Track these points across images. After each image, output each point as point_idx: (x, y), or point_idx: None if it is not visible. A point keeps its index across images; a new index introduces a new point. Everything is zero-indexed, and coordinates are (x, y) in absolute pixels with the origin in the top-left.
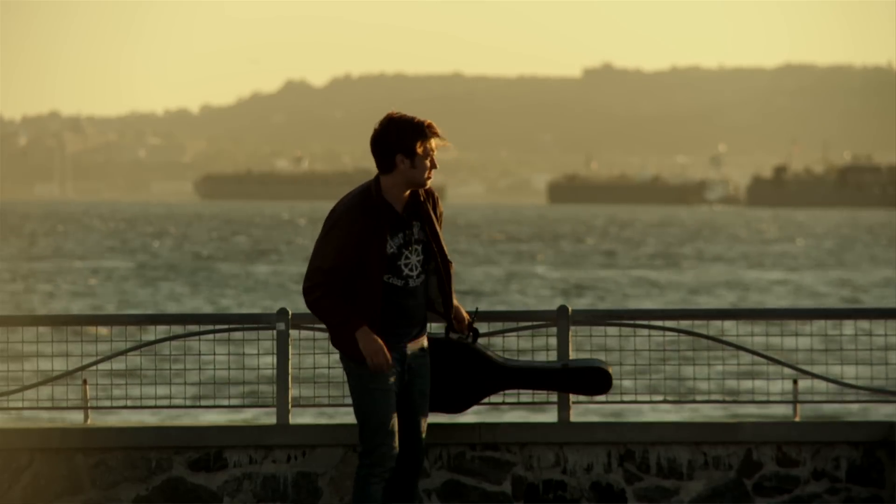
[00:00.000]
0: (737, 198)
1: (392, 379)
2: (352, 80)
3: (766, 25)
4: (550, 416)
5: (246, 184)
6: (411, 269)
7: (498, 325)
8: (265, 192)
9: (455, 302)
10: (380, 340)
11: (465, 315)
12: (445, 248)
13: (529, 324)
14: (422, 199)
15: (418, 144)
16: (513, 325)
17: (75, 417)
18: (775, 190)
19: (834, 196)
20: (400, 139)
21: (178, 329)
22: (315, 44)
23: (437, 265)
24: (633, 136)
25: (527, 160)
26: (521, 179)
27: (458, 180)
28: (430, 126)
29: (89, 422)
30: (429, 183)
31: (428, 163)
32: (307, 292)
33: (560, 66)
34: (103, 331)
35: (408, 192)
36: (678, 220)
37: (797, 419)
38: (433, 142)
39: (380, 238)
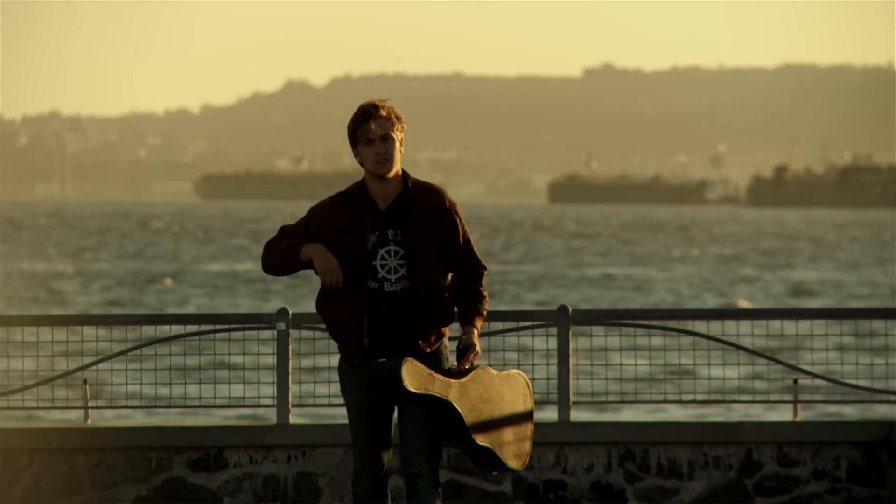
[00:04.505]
0: (737, 198)
1: (365, 397)
2: (352, 80)
3: (765, 25)
4: (550, 415)
5: (246, 184)
6: (388, 272)
7: (498, 325)
8: (265, 192)
9: (472, 330)
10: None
11: (468, 340)
12: (433, 260)
13: (530, 324)
14: (408, 199)
15: (358, 132)
16: (513, 324)
17: (75, 417)
18: (775, 190)
19: (834, 196)
20: (348, 131)
21: (178, 329)
22: (315, 42)
23: (415, 274)
24: (633, 136)
25: (527, 160)
26: (521, 179)
27: (459, 180)
28: (363, 109)
29: (89, 422)
30: (390, 171)
31: (371, 150)
32: (264, 248)
33: (560, 66)
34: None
35: (395, 190)
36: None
37: (797, 419)
38: (373, 124)
39: (359, 229)
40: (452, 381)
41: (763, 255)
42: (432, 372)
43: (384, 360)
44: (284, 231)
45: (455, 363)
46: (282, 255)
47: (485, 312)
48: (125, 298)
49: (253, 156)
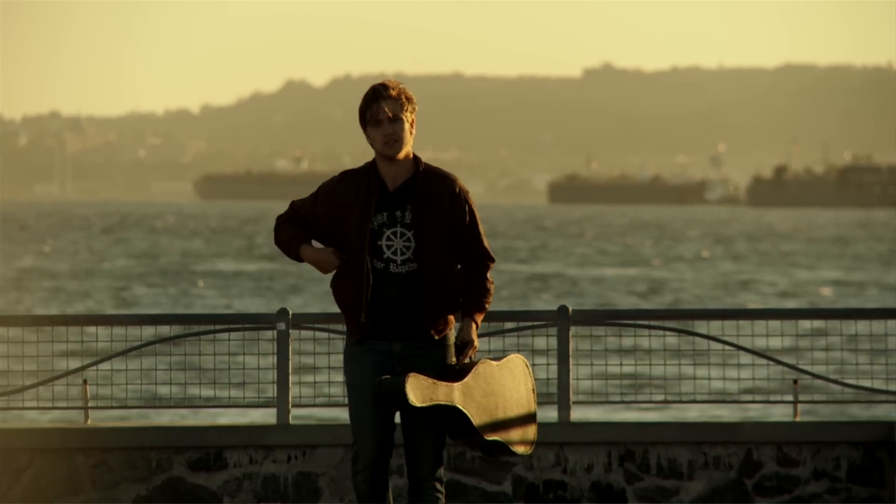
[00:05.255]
0: (737, 198)
1: (371, 375)
2: (352, 80)
3: (765, 25)
4: (550, 415)
5: (246, 184)
6: (394, 253)
7: (498, 325)
8: (265, 192)
9: (471, 325)
10: (323, 248)
11: (466, 336)
12: (440, 245)
13: (530, 324)
14: (419, 182)
15: (367, 113)
16: (513, 324)
17: (75, 417)
18: (775, 190)
19: (834, 196)
20: (358, 112)
21: (178, 329)
22: (315, 42)
23: (423, 258)
24: (633, 136)
25: (527, 160)
26: (521, 179)
27: None
28: (373, 89)
29: (89, 422)
30: (399, 153)
31: (379, 131)
32: (276, 220)
33: (560, 66)
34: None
35: (406, 172)
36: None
37: (797, 419)
38: (382, 105)
39: (363, 207)
40: (454, 384)
41: (775, 256)
42: (435, 380)
43: (387, 377)
44: (294, 208)
45: (454, 359)
46: (285, 245)
47: (487, 306)
48: (147, 299)
49: (253, 156)
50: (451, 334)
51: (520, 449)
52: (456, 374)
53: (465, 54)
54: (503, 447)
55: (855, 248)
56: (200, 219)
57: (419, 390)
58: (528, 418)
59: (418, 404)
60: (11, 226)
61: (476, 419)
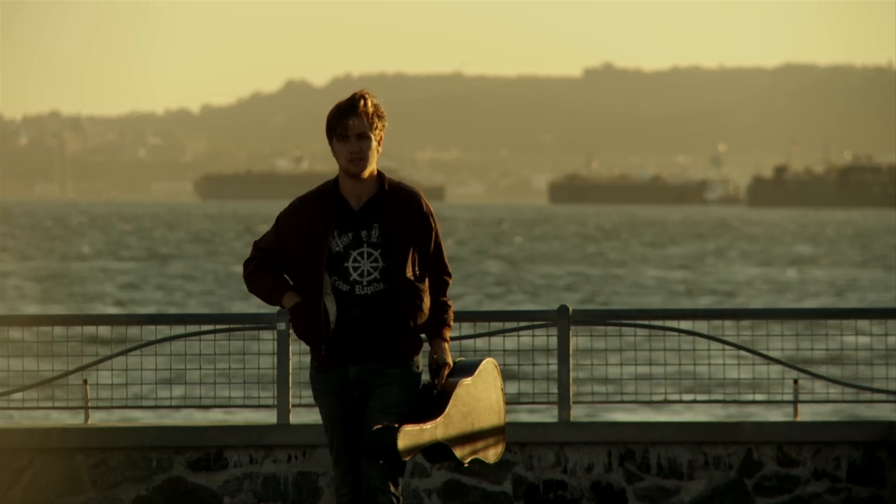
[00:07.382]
0: (737, 198)
1: (333, 405)
2: (352, 80)
3: (765, 25)
4: (551, 415)
5: (246, 184)
6: (361, 275)
7: (498, 325)
8: (265, 192)
9: (442, 345)
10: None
11: (440, 358)
12: (408, 264)
13: (530, 323)
14: (385, 200)
15: (336, 127)
16: (513, 324)
17: (75, 417)
18: (775, 190)
19: (834, 196)
20: (326, 122)
21: (178, 329)
22: (315, 42)
23: (392, 278)
24: (633, 136)
25: (527, 160)
26: (522, 179)
27: (458, 180)
28: (347, 103)
29: (89, 422)
30: (364, 171)
31: (345, 147)
32: (243, 267)
33: (560, 65)
34: (104, 330)
35: (370, 190)
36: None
37: (797, 419)
38: (351, 121)
39: (323, 230)
40: (437, 420)
41: (795, 255)
42: (422, 426)
43: (378, 427)
44: (259, 248)
45: (429, 379)
46: (265, 296)
47: (451, 322)
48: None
49: (253, 156)
50: (420, 355)
51: (491, 458)
52: (434, 399)
53: (465, 54)
54: (477, 460)
55: (871, 248)
56: (217, 220)
57: (408, 441)
58: (499, 426)
59: (408, 457)
60: (37, 231)
61: (455, 448)
